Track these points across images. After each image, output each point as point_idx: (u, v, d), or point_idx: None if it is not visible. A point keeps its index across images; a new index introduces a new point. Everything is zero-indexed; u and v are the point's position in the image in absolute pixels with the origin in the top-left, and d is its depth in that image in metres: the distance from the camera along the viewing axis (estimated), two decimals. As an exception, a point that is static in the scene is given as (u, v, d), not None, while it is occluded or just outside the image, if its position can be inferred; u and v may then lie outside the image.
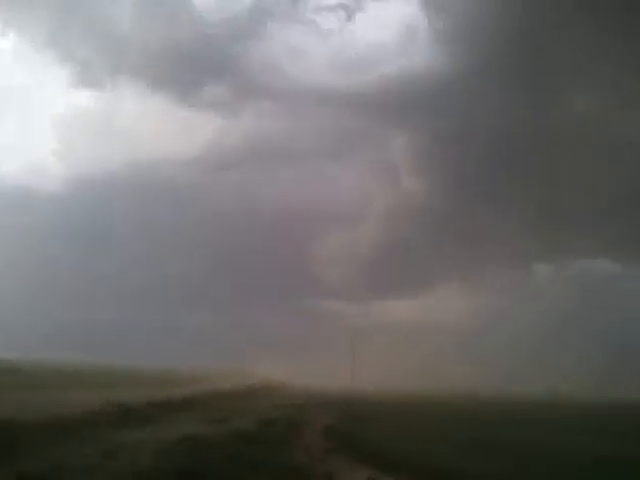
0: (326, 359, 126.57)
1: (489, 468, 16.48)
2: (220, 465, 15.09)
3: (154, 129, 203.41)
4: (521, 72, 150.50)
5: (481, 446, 21.80)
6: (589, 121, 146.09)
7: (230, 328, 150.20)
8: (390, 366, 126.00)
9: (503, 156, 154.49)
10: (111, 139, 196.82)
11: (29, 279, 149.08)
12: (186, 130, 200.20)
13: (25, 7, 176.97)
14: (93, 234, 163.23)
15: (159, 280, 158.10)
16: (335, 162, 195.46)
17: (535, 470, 16.81)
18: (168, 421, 25.63)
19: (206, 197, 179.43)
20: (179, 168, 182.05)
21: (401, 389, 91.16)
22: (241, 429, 23.33)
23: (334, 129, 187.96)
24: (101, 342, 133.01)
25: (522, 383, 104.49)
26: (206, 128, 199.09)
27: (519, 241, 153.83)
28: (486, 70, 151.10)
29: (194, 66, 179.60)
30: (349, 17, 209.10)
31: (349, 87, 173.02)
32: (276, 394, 59.96)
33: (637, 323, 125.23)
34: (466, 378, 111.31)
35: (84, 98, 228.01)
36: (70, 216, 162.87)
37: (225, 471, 14.43)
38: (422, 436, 24.85)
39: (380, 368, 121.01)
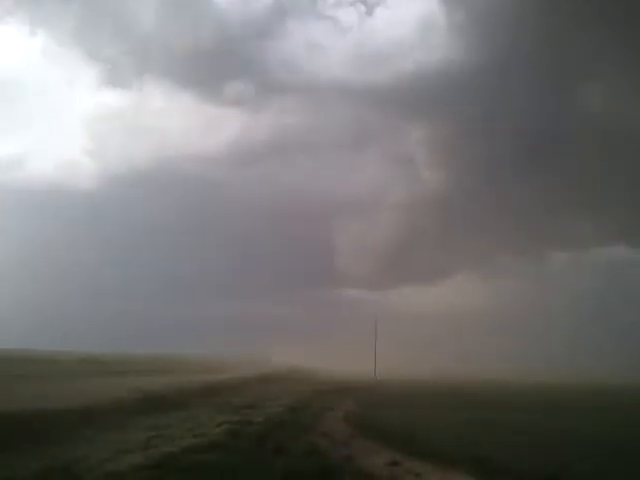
0: (348, 346, 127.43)
1: (518, 454, 16.32)
2: (248, 448, 15.74)
3: (180, 126, 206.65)
4: (540, 67, 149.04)
5: (511, 431, 21.71)
6: (607, 113, 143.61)
7: (256, 317, 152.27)
8: (412, 352, 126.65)
9: (520, 148, 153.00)
10: (139, 137, 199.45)
11: (61, 274, 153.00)
12: (211, 127, 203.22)
13: (52, 7, 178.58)
14: (123, 229, 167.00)
15: (187, 272, 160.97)
16: (355, 154, 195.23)
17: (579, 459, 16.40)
18: (198, 407, 26.38)
19: (232, 191, 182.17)
20: (205, 163, 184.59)
21: (423, 375, 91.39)
22: (268, 415, 24.00)
23: (354, 122, 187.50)
24: (133, 334, 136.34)
25: (544, 369, 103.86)
26: (230, 125, 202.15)
27: (535, 229, 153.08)
28: (504, 64, 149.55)
29: (217, 65, 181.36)
30: (369, 12, 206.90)
31: (368, 81, 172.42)
32: (301, 381, 60.63)
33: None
34: (489, 364, 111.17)
35: (112, 97, 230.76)
36: (101, 211, 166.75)
37: (253, 454, 14.99)
38: (446, 421, 24.87)
39: (402, 355, 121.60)
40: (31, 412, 17.35)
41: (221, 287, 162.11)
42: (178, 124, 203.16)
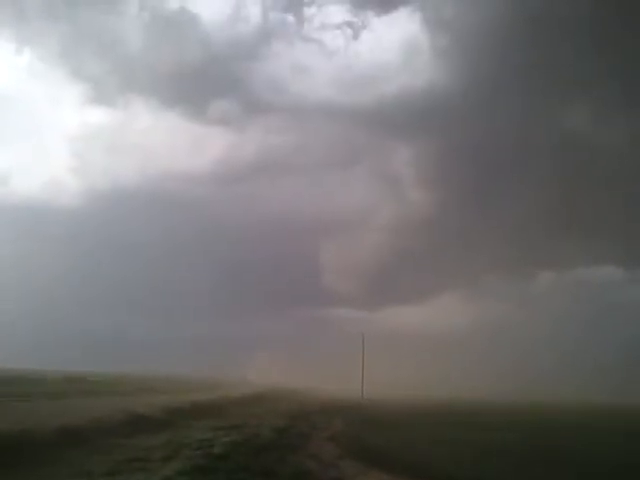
0: (335, 366, 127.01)
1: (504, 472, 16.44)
2: (235, 470, 15.61)
3: (165, 145, 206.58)
4: (525, 88, 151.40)
5: (496, 451, 21.77)
6: (595, 132, 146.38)
7: (241, 337, 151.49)
8: (398, 372, 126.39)
9: (506, 168, 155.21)
10: (124, 154, 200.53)
11: (44, 291, 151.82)
12: (196, 145, 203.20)
13: (39, 25, 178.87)
14: (106, 246, 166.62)
15: (169, 290, 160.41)
16: (340, 174, 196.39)
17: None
18: (184, 427, 26.13)
19: (217, 210, 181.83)
20: (190, 182, 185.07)
21: (410, 395, 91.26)
22: (254, 436, 23.82)
23: (339, 143, 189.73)
24: (111, 352, 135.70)
25: (530, 389, 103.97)
26: (216, 143, 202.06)
27: (521, 249, 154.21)
28: (489, 86, 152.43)
29: (203, 84, 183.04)
30: (355, 35, 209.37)
31: (353, 103, 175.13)
32: (287, 401, 60.21)
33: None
34: (474, 384, 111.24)
35: (97, 115, 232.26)
36: (85, 229, 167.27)
37: (239, 478, 14.86)
38: (434, 441, 24.91)
39: (389, 374, 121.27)
40: (15, 433, 17.11)
41: (206, 307, 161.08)
42: (163, 142, 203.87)
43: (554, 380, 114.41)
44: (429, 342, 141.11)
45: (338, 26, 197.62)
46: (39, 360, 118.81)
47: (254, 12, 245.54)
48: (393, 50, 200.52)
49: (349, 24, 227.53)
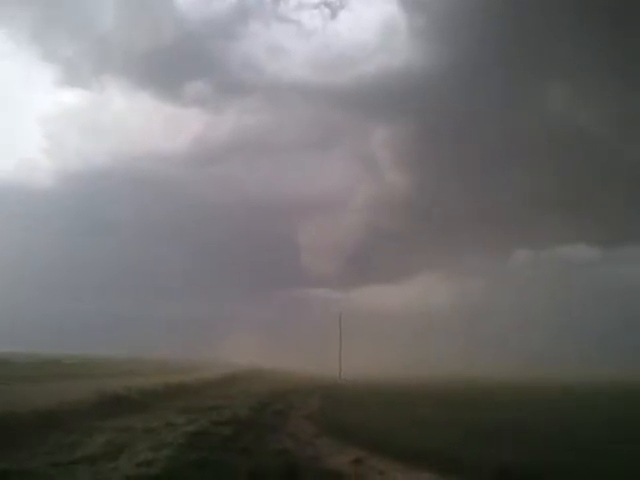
0: (313, 346, 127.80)
1: (486, 453, 16.42)
2: (213, 450, 15.84)
3: (139, 125, 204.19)
4: (505, 68, 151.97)
5: (476, 429, 21.83)
6: (570, 117, 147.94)
7: (217, 318, 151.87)
8: (377, 352, 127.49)
9: (482, 149, 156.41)
10: (98, 135, 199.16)
11: (17, 273, 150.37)
12: (171, 126, 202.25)
13: (10, 7, 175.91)
14: (81, 226, 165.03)
15: (146, 272, 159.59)
16: (318, 155, 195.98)
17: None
18: (161, 409, 26.29)
19: (192, 190, 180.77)
20: (164, 162, 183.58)
21: (389, 375, 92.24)
22: (232, 416, 24.06)
23: (316, 123, 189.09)
24: (86, 333, 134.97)
25: (510, 367, 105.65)
26: (191, 124, 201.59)
27: (498, 228, 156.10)
28: (468, 66, 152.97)
29: (177, 64, 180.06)
30: (333, 15, 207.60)
31: (330, 84, 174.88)
32: (264, 381, 60.66)
33: (616, 305, 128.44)
34: (454, 363, 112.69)
35: (70, 96, 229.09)
36: (58, 208, 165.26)
37: (218, 456, 15.09)
38: (412, 420, 25.13)
39: (367, 354, 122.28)
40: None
41: (181, 287, 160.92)
42: (137, 122, 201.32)
43: (536, 357, 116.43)
44: (408, 322, 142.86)
45: (315, 5, 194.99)
46: (7, 343, 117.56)
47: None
48: (370, 30, 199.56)
49: (326, 3, 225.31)
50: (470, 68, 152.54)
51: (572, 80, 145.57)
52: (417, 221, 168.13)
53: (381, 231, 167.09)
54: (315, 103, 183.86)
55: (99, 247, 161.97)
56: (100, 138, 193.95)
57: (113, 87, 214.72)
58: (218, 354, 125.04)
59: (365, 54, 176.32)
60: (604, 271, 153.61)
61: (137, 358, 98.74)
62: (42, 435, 17.06)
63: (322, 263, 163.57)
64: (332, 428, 21.94)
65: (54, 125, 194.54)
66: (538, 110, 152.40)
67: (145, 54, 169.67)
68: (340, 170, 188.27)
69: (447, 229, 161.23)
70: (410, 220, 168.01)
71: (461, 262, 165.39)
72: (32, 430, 17.20)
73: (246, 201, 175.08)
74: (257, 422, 23.17)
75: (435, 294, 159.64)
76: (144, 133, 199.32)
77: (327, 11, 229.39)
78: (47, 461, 13.90)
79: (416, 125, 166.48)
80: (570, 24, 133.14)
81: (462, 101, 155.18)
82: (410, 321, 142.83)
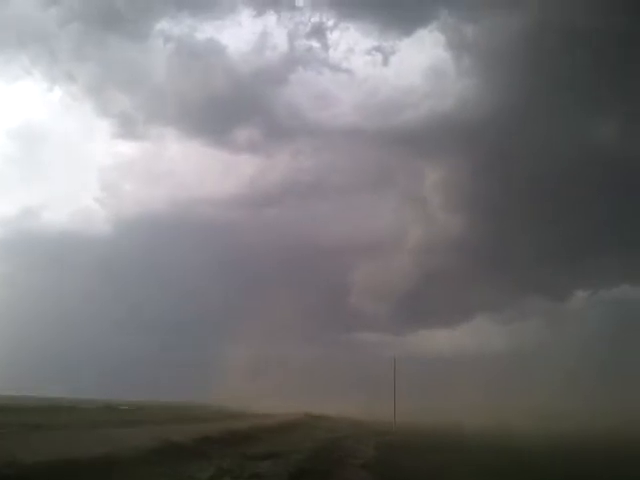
0: (365, 391, 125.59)
1: None
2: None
3: (193, 171, 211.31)
4: (555, 107, 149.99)
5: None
6: (627, 153, 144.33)
7: (271, 362, 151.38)
8: (432, 397, 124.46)
9: (537, 188, 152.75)
10: (152, 183, 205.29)
11: (76, 320, 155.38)
12: (224, 171, 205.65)
13: (68, 64, 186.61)
14: (137, 272, 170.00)
15: (203, 317, 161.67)
16: (370, 196, 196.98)
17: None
18: (219, 457, 26.24)
19: (245, 234, 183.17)
20: (218, 206, 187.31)
21: (445, 420, 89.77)
22: (288, 464, 23.90)
23: (368, 165, 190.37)
24: (149, 382, 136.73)
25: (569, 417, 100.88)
26: (243, 168, 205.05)
27: (557, 268, 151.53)
28: (518, 106, 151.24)
29: (228, 112, 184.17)
30: (385, 61, 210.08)
31: (381, 127, 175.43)
32: (319, 428, 59.94)
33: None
34: (511, 411, 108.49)
35: (125, 147, 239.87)
36: (114, 255, 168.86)
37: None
38: (466, 467, 24.50)
39: (422, 400, 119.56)
40: (54, 463, 17.41)
41: (230, 332, 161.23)
42: (190, 169, 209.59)
43: (590, 405, 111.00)
44: (463, 366, 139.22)
45: (368, 51, 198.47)
46: (70, 386, 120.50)
47: (281, 40, 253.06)
48: (418, 74, 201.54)
49: (378, 48, 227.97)
50: (519, 104, 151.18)
51: (620, 113, 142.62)
52: (471, 262, 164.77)
53: (434, 273, 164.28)
54: (366, 144, 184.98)
55: (152, 294, 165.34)
56: (154, 185, 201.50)
57: (167, 136, 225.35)
58: (270, 398, 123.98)
59: (414, 98, 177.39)
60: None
61: (191, 404, 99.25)
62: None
63: (374, 306, 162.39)
64: (388, 475, 21.55)
65: (111, 174, 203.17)
66: (591, 145, 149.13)
67: (197, 103, 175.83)
68: (392, 211, 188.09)
69: (503, 269, 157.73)
70: (464, 261, 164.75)
71: (516, 305, 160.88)
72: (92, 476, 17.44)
73: (298, 243, 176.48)
74: (315, 470, 22.90)
75: (491, 337, 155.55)
76: (197, 179, 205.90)
77: (379, 57, 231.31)
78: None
79: (467, 164, 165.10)
80: (620, 57, 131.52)
81: (513, 138, 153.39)
82: (465, 366, 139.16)
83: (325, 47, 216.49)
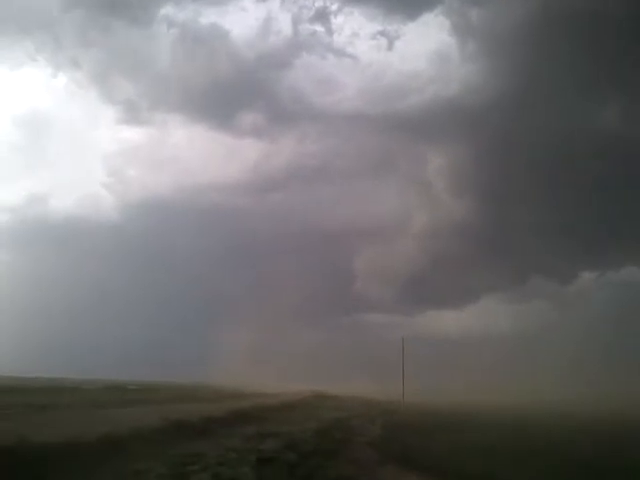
0: (372, 372, 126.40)
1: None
2: (278, 476, 15.80)
3: (198, 157, 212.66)
4: (559, 91, 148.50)
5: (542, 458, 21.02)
6: (632, 135, 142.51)
7: (277, 345, 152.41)
8: (439, 377, 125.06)
9: (543, 170, 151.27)
10: (157, 168, 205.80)
11: (84, 303, 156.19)
12: (229, 156, 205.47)
13: (72, 51, 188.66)
14: (142, 257, 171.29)
15: (208, 301, 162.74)
16: (374, 181, 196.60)
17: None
18: (225, 436, 26.31)
19: (250, 218, 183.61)
20: (223, 191, 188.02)
21: (453, 401, 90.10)
22: (294, 442, 23.92)
23: (372, 150, 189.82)
24: (153, 361, 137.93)
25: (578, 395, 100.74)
26: (248, 153, 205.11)
27: (563, 249, 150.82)
28: (521, 90, 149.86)
29: (232, 97, 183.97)
30: (390, 46, 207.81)
31: (385, 111, 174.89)
32: (325, 407, 60.17)
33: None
34: (519, 389, 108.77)
35: (130, 133, 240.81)
36: (122, 241, 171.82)
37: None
38: (476, 447, 24.45)
39: (429, 379, 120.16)
40: (61, 443, 17.43)
41: (238, 315, 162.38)
42: (195, 154, 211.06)
43: (595, 385, 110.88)
44: (469, 347, 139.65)
45: (372, 36, 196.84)
46: (78, 369, 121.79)
47: (285, 25, 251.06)
48: (423, 59, 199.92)
49: (382, 33, 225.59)
50: (523, 89, 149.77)
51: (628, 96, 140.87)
52: (475, 244, 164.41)
53: (439, 255, 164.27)
54: (370, 128, 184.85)
55: (159, 279, 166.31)
56: (160, 171, 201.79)
57: (171, 122, 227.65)
58: (276, 380, 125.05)
59: (418, 83, 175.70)
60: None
61: (200, 384, 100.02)
62: (108, 461, 17.33)
63: (379, 289, 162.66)
64: (395, 454, 21.52)
65: (116, 161, 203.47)
66: (599, 129, 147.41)
67: (201, 88, 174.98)
68: (396, 196, 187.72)
69: (508, 252, 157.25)
70: (468, 244, 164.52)
71: (525, 286, 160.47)
72: (98, 456, 17.46)
73: (304, 228, 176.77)
74: (320, 448, 22.92)
75: (497, 318, 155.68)
76: (202, 164, 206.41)
77: (384, 41, 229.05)
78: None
79: (471, 149, 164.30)
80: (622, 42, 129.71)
81: (517, 123, 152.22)
82: (472, 346, 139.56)
83: (329, 32, 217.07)
